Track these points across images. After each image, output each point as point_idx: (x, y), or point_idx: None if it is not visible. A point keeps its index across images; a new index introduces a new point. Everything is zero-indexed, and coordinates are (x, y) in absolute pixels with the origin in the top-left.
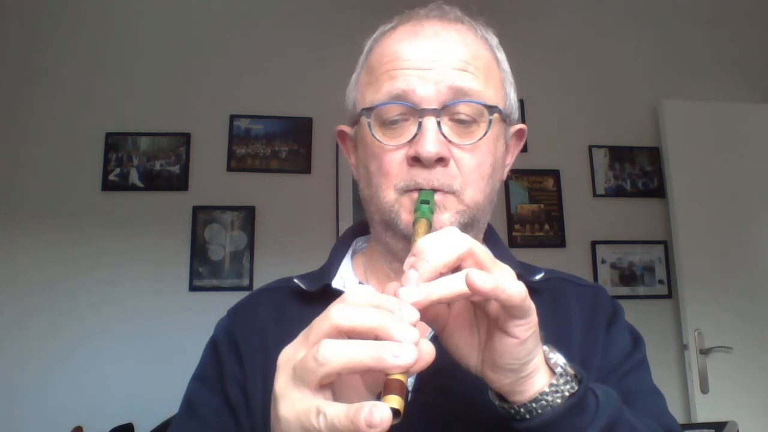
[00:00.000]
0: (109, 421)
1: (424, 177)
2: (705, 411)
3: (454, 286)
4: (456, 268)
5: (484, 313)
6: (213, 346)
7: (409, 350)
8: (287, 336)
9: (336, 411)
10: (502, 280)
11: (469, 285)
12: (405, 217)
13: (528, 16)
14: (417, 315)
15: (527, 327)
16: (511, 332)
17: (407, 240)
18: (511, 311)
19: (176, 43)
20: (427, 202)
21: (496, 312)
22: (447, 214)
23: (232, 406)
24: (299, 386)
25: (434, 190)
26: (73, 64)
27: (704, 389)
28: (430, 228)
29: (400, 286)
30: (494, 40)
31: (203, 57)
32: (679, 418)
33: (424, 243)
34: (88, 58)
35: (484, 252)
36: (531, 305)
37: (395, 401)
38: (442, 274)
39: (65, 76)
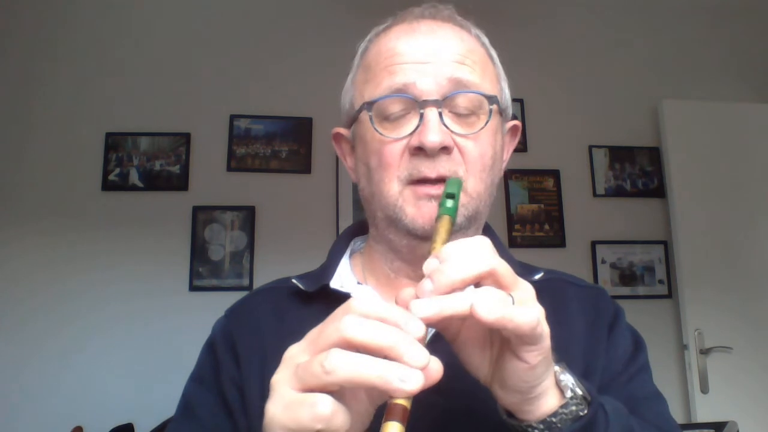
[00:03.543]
0: (109, 421)
1: (427, 166)
2: (705, 411)
3: (467, 304)
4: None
5: (498, 330)
6: (210, 347)
7: (417, 377)
8: (285, 336)
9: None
10: (509, 311)
11: (473, 315)
12: (410, 211)
13: (528, 16)
14: (424, 330)
15: (538, 353)
16: (522, 357)
17: (412, 236)
18: (522, 338)
19: (176, 43)
20: (453, 197)
21: (507, 334)
22: None
23: (229, 407)
24: (295, 385)
25: (461, 180)
26: (73, 64)
27: (704, 389)
28: (452, 225)
29: (414, 293)
30: (485, 39)
31: (203, 57)
32: (679, 418)
33: (448, 251)
34: (88, 58)
35: (507, 272)
36: (543, 331)
37: (396, 428)
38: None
39: (65, 76)
